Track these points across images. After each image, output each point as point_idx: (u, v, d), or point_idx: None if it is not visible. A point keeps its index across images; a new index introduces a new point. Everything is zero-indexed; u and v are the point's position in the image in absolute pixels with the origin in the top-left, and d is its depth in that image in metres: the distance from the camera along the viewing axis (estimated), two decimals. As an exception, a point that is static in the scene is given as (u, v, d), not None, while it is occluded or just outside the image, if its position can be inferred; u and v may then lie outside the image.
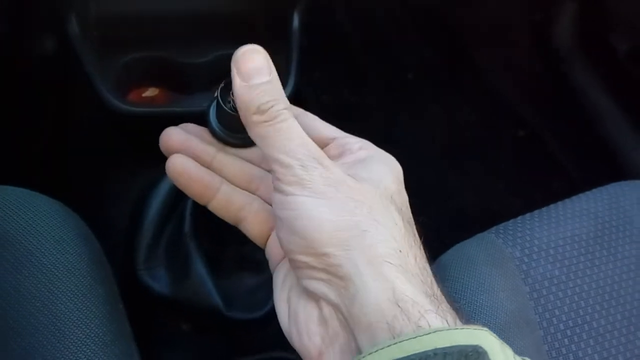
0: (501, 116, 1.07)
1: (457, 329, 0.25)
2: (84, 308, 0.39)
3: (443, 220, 0.87)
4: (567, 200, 0.52)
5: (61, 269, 0.39)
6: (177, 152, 0.34)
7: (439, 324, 0.26)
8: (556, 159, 1.01)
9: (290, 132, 0.30)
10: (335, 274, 0.28)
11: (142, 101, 0.71)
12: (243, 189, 0.35)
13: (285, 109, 0.30)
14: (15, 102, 0.72)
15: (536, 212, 0.51)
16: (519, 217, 0.51)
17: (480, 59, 1.09)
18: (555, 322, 0.45)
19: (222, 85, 0.35)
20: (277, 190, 0.30)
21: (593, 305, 0.46)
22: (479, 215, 0.95)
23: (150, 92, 0.72)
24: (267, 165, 0.35)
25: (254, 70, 0.31)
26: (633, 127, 0.94)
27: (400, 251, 0.28)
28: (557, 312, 0.46)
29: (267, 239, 0.35)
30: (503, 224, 0.50)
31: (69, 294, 0.39)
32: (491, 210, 1.00)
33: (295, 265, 0.30)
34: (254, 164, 0.36)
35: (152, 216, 0.59)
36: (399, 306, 0.26)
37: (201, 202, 0.35)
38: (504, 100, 1.08)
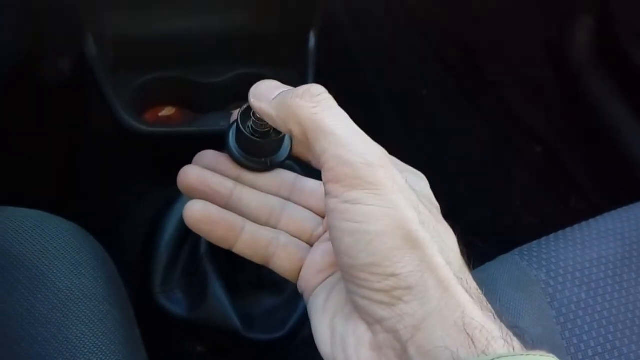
0: (517, 132, 1.05)
1: (522, 355, 0.24)
2: (100, 334, 0.38)
3: (457, 237, 0.85)
4: (591, 221, 0.51)
5: (77, 293, 0.38)
6: (195, 189, 0.33)
7: (504, 351, 0.24)
8: (573, 175, 0.99)
9: (345, 121, 0.27)
10: (400, 298, 0.26)
11: (158, 120, 0.71)
12: (264, 224, 0.33)
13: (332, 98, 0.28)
14: (30, 122, 0.72)
15: (560, 233, 0.50)
16: (543, 239, 0.49)
17: (494, 75, 1.08)
18: (584, 348, 0.44)
19: (241, 109, 0.34)
20: (337, 196, 0.26)
21: (623, 330, 0.44)
22: (495, 232, 0.93)
23: (167, 111, 0.72)
24: (285, 192, 0.34)
25: (274, 84, 0.31)
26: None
27: (462, 271, 0.27)
28: (585, 338, 0.44)
29: (299, 273, 0.33)
30: (527, 245, 0.49)
31: (85, 319, 0.38)
32: (507, 227, 0.98)
33: (352, 283, 0.27)
34: (272, 193, 0.35)
35: (168, 238, 0.59)
36: (467, 333, 0.24)
37: (225, 246, 0.33)
38: (519, 116, 1.07)
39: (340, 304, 0.30)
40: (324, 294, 0.31)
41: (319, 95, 0.28)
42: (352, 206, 0.26)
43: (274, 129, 0.33)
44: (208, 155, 0.35)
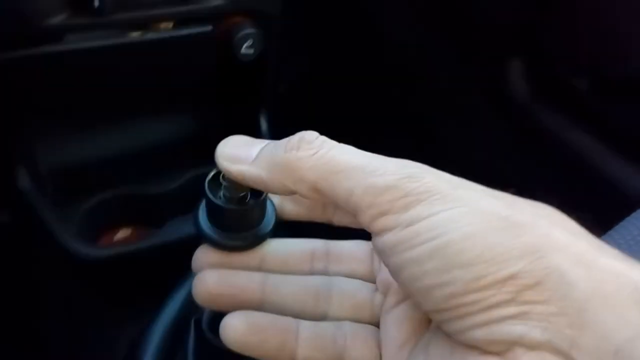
0: (484, 181, 1.04)
1: None
2: None
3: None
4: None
5: None
6: (220, 295, 0.27)
7: None
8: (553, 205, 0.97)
9: (355, 151, 0.23)
10: (532, 300, 0.20)
11: (114, 245, 0.64)
12: (312, 312, 0.27)
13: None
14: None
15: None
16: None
17: (446, 130, 1.08)
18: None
19: (208, 178, 0.29)
20: (392, 229, 0.22)
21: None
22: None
23: (122, 233, 0.66)
24: (320, 265, 0.29)
25: (243, 139, 0.26)
26: (620, 156, 0.91)
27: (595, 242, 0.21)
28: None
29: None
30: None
31: None
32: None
33: (459, 318, 0.21)
34: (304, 272, 0.29)
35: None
36: None
37: (284, 358, 0.26)
38: (481, 163, 1.06)
39: (446, 353, 0.23)
40: (420, 357, 0.25)
41: (316, 139, 0.24)
42: (416, 226, 0.21)
43: (251, 192, 0.28)
44: (207, 251, 0.28)
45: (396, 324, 0.26)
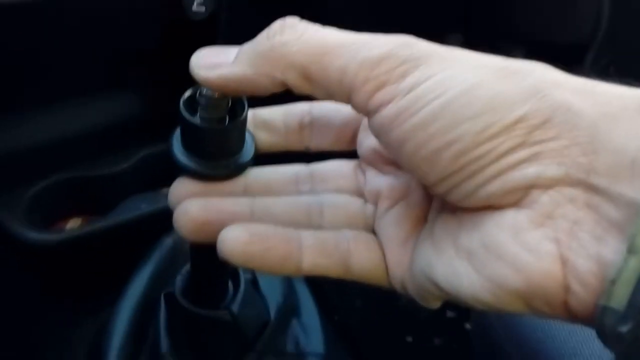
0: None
1: None
2: None
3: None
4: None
5: None
6: (207, 223, 0.25)
7: None
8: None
9: (342, 32, 0.22)
10: (542, 139, 0.19)
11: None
12: (307, 228, 0.26)
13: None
14: None
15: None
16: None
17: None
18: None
19: (182, 99, 0.26)
20: (391, 100, 0.21)
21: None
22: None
23: (73, 222, 0.61)
24: (306, 187, 0.28)
25: (216, 48, 0.24)
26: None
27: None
28: None
29: (385, 266, 0.25)
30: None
31: None
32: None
33: (464, 177, 0.20)
34: (291, 194, 0.28)
35: (115, 354, 0.46)
36: None
37: (290, 267, 0.24)
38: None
39: (453, 227, 0.22)
40: (427, 243, 0.23)
41: (299, 22, 0.23)
42: (417, 90, 0.20)
43: (229, 114, 0.26)
44: (186, 182, 0.26)
45: (393, 224, 0.26)
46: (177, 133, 0.27)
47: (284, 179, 0.28)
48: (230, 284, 0.42)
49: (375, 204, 0.27)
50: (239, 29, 0.68)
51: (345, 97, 0.22)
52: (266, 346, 0.45)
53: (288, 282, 0.49)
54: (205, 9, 0.50)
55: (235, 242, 0.23)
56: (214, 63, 0.23)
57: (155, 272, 0.49)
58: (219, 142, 0.26)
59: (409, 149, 0.21)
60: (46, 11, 0.48)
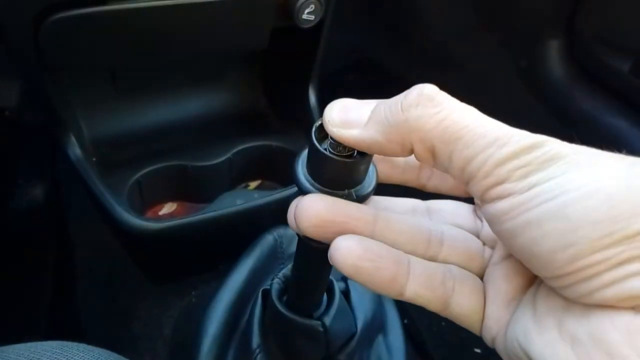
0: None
1: None
2: None
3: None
4: None
5: None
6: (330, 221, 0.25)
7: None
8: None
9: (477, 115, 0.22)
10: None
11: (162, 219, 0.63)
12: (422, 255, 0.26)
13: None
14: (14, 257, 0.63)
15: None
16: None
17: (481, 111, 1.05)
18: None
19: (315, 126, 0.27)
20: (512, 193, 0.21)
21: None
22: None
23: (168, 208, 0.64)
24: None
25: (350, 103, 0.25)
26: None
27: None
28: None
29: (483, 313, 0.25)
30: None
31: None
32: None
33: (579, 279, 0.20)
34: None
35: (211, 339, 0.49)
36: None
37: (394, 290, 0.25)
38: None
39: (558, 307, 0.22)
40: (527, 312, 0.23)
41: (437, 95, 0.22)
42: (534, 189, 0.20)
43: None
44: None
45: (504, 278, 0.25)
46: (303, 157, 0.28)
47: (402, 210, 0.28)
48: (324, 295, 0.43)
49: (492, 248, 0.27)
50: (339, 36, 0.68)
51: (464, 180, 0.22)
52: (349, 357, 0.46)
53: (378, 299, 0.50)
54: (315, 17, 0.51)
55: (348, 252, 0.24)
56: (347, 121, 0.24)
57: (255, 267, 0.51)
58: (347, 172, 0.27)
59: (521, 243, 0.21)
60: (179, 17, 0.51)
